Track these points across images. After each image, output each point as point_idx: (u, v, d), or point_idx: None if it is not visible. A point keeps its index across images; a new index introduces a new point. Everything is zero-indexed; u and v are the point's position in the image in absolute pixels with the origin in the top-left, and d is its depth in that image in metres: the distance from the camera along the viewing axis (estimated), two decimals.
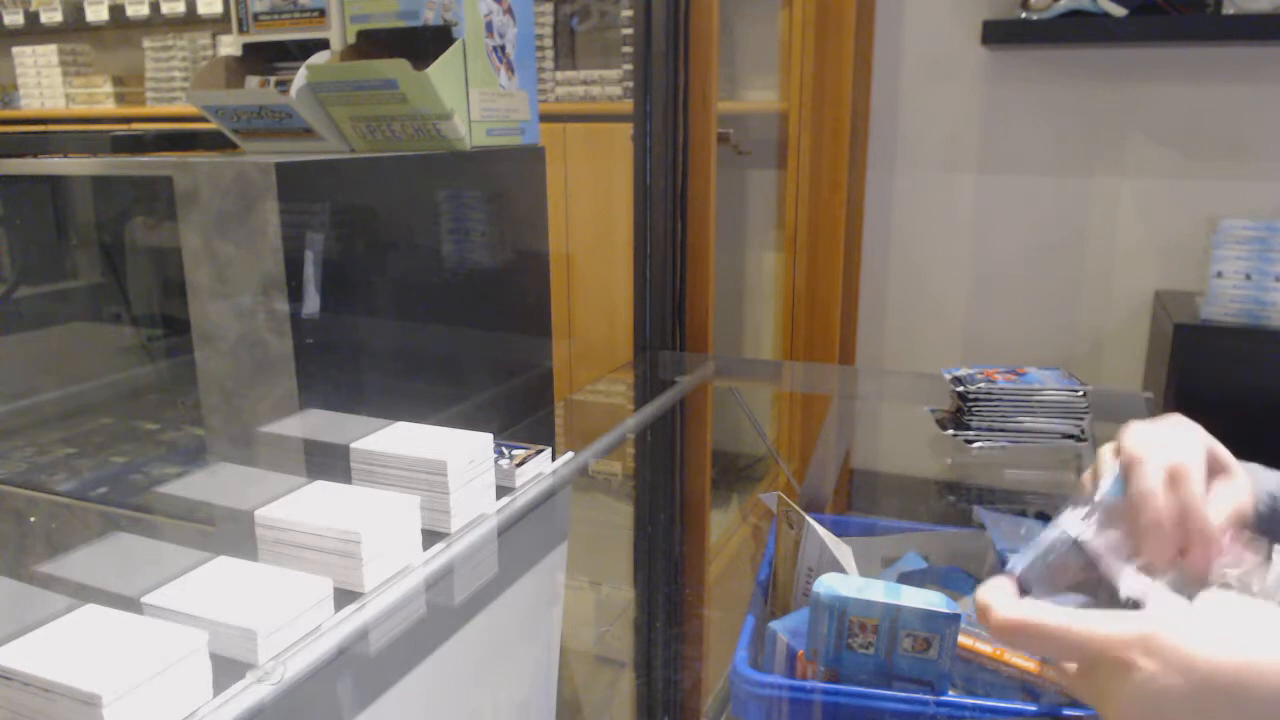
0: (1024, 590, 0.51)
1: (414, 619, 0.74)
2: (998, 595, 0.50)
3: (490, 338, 1.23)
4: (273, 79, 1.16)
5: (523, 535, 0.89)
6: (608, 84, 2.73)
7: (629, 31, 2.62)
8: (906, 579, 0.81)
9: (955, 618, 0.65)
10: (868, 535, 0.90)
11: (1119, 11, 2.00)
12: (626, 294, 2.12)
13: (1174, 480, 0.53)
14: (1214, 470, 0.57)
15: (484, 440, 0.86)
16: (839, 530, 0.83)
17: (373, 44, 1.12)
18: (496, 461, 0.90)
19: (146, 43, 3.64)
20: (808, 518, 0.77)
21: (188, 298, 0.92)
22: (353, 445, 0.84)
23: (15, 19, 3.81)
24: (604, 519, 1.21)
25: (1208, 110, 2.12)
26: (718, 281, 1.72)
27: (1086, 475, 0.60)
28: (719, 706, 0.80)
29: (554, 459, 1.01)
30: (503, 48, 1.17)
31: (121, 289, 1.29)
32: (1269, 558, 0.51)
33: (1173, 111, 2.15)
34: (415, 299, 1.08)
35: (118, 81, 3.77)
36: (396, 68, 1.03)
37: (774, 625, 0.71)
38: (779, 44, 2.47)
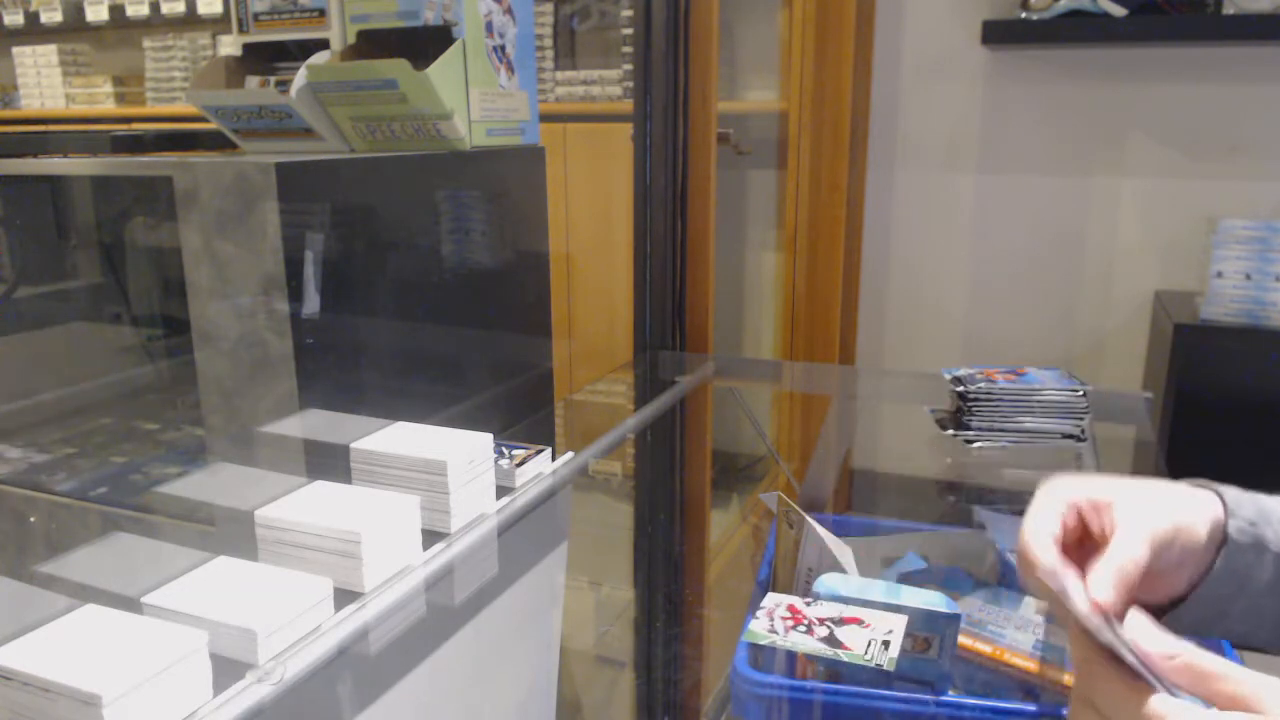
0: None
1: (414, 619, 0.74)
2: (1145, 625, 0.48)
3: (490, 337, 1.23)
4: (273, 79, 1.16)
5: (523, 535, 0.89)
6: (608, 84, 2.73)
7: (629, 31, 2.62)
8: (906, 579, 0.81)
9: (955, 618, 0.65)
10: (868, 535, 0.90)
11: (1119, 11, 2.00)
12: (626, 294, 2.12)
13: (1029, 568, 0.52)
14: (1096, 522, 0.54)
15: (484, 440, 0.86)
16: (839, 530, 0.83)
17: (373, 44, 1.12)
18: (496, 461, 0.90)
19: (146, 43, 3.63)
20: (808, 518, 0.77)
21: (188, 298, 0.92)
22: (353, 445, 0.84)
23: (15, 19, 3.81)
24: (604, 519, 1.21)
25: (1208, 110, 2.12)
26: (718, 281, 1.72)
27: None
28: (719, 706, 0.80)
29: (554, 459, 1.01)
30: (503, 48, 1.17)
31: (121, 289, 1.29)
32: None
33: (1173, 111, 2.15)
34: (415, 299, 1.08)
35: (118, 81, 3.77)
36: (396, 68, 1.03)
37: None
38: (779, 44, 2.47)
